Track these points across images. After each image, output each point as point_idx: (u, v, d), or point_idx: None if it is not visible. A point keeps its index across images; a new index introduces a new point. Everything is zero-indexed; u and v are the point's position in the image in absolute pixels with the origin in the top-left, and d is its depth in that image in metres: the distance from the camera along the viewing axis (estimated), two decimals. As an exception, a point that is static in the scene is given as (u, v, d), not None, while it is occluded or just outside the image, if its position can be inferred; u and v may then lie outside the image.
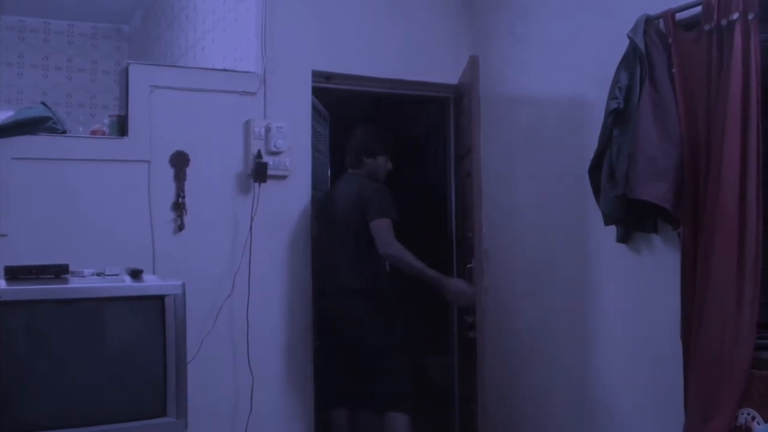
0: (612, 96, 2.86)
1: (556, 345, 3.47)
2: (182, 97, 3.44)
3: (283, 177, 3.60)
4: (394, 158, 3.72)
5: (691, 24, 2.75)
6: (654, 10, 2.81)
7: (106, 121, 3.42)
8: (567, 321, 3.40)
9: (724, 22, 2.52)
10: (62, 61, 6.75)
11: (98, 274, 2.65)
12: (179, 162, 3.40)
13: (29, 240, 3.08)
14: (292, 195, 3.62)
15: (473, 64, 3.47)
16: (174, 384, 2.48)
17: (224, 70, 3.74)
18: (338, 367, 3.53)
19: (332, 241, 3.53)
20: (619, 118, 2.85)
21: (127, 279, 2.67)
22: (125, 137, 3.33)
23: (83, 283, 2.52)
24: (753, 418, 2.42)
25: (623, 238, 3.02)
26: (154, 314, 2.49)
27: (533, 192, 3.62)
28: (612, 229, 3.04)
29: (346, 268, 3.44)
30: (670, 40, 2.75)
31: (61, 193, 3.19)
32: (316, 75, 3.74)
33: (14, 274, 2.52)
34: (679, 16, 2.75)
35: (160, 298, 2.50)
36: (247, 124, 3.54)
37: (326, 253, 3.57)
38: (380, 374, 3.39)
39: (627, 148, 2.79)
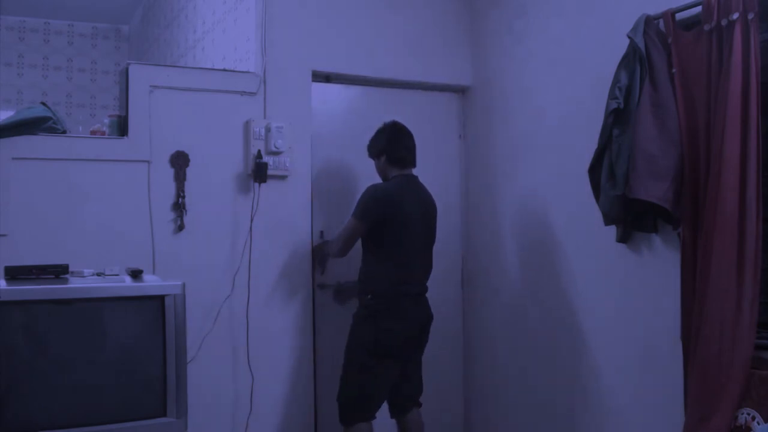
0: (612, 96, 2.86)
1: (556, 345, 3.47)
2: (182, 97, 3.43)
3: (283, 177, 3.60)
4: None
5: (691, 24, 2.75)
6: (654, 10, 2.81)
7: (106, 121, 3.42)
8: (567, 320, 3.40)
9: (724, 21, 2.53)
10: (62, 61, 6.75)
11: (98, 274, 2.65)
12: (179, 162, 3.40)
13: (29, 240, 3.08)
14: (292, 195, 3.62)
15: None
16: (174, 384, 2.48)
17: (224, 70, 3.75)
18: (397, 373, 3.36)
19: (415, 243, 3.38)
20: (619, 117, 2.85)
21: (127, 279, 2.67)
22: (125, 137, 3.33)
23: (83, 283, 2.51)
24: (753, 418, 2.42)
25: (623, 237, 3.02)
26: (154, 314, 2.50)
27: (532, 191, 3.62)
28: (612, 229, 3.04)
29: (428, 271, 3.47)
30: (669, 40, 2.75)
31: (61, 193, 3.19)
32: (316, 75, 3.75)
33: (14, 274, 2.52)
34: (679, 16, 2.75)
35: (160, 298, 2.50)
36: (247, 124, 3.54)
37: (409, 253, 3.37)
38: (418, 373, 3.51)
39: (627, 148, 2.79)
